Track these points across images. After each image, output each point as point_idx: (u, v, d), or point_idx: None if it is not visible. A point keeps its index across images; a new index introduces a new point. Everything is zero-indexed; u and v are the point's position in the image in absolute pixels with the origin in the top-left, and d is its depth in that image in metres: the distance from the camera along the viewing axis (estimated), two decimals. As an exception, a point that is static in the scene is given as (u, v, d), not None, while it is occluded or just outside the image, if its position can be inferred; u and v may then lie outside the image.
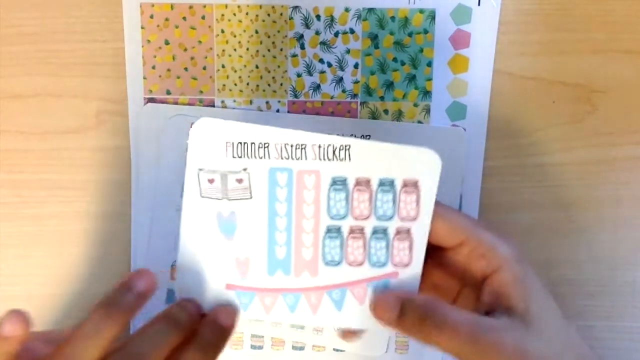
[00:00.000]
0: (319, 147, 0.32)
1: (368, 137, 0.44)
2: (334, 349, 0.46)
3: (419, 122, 0.45)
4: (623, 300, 0.46)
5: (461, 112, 0.44)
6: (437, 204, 0.34)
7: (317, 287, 0.34)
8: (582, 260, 0.46)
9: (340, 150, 0.32)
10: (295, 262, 0.34)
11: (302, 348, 0.46)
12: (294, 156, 0.32)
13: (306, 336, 0.46)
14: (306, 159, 0.32)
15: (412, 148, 0.33)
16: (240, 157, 0.32)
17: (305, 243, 0.33)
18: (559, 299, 0.46)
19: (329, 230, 0.33)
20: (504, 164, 0.45)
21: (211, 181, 0.33)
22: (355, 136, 0.44)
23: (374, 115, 0.45)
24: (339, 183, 0.33)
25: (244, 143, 0.32)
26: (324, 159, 0.32)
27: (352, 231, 0.33)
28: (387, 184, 0.33)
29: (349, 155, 0.32)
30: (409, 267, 0.34)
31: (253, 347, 0.47)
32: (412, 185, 0.33)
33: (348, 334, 0.36)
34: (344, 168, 0.33)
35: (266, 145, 0.32)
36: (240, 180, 0.33)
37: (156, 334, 0.30)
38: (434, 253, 0.35)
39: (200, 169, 0.32)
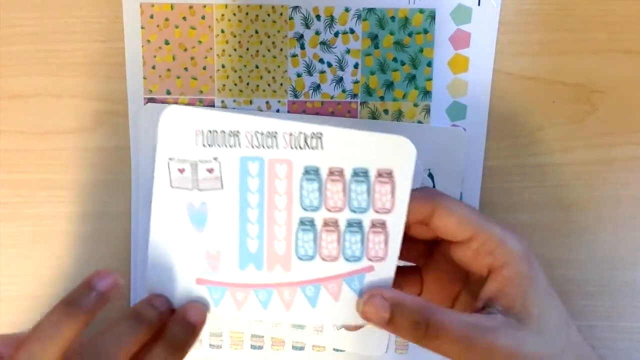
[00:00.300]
0: (290, 135, 0.31)
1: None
2: (334, 349, 0.46)
3: (419, 122, 0.45)
4: (623, 300, 0.46)
5: (461, 112, 0.44)
6: (447, 197, 0.33)
7: (291, 282, 0.33)
8: (582, 260, 0.46)
9: (312, 138, 0.31)
10: (267, 256, 0.33)
11: (302, 348, 0.46)
12: (265, 145, 0.31)
13: (306, 336, 0.46)
14: (277, 147, 0.31)
15: (385, 136, 0.31)
16: (211, 145, 0.31)
17: (278, 236, 0.32)
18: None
19: (302, 222, 0.32)
20: (504, 164, 0.45)
21: (181, 171, 0.32)
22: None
23: (374, 115, 0.45)
24: (311, 173, 0.32)
25: (214, 131, 0.31)
26: (296, 148, 0.31)
27: (325, 224, 0.32)
28: (360, 174, 0.32)
29: (321, 143, 0.31)
30: (384, 260, 0.33)
31: (253, 347, 0.47)
32: (386, 176, 0.32)
33: (350, 326, 0.35)
34: (317, 157, 0.31)
35: (236, 133, 0.31)
36: (211, 170, 0.32)
37: (122, 331, 0.30)
38: (442, 247, 0.35)
39: (171, 159, 0.31)
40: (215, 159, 0.32)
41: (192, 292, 0.33)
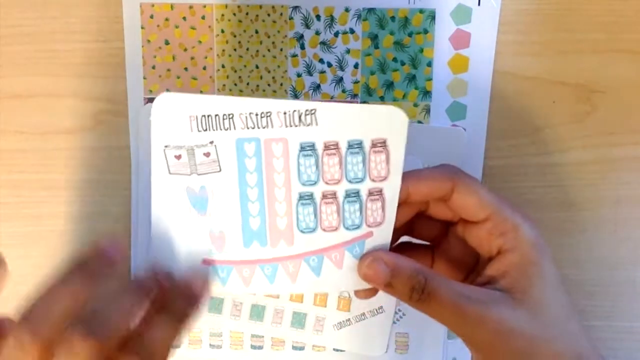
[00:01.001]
0: (285, 113, 0.32)
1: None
2: (334, 349, 0.46)
3: (419, 122, 0.45)
4: (623, 300, 0.46)
5: (461, 112, 0.44)
6: (468, 175, 0.34)
7: (294, 255, 0.34)
8: (582, 260, 0.46)
9: (306, 115, 0.32)
10: (270, 232, 0.33)
11: (302, 348, 0.46)
12: (260, 125, 0.32)
13: (306, 336, 0.46)
14: (272, 126, 0.32)
15: (376, 107, 0.32)
16: (206, 130, 0.32)
17: (279, 212, 0.33)
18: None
19: (301, 197, 0.33)
20: (504, 164, 0.45)
21: (178, 157, 0.32)
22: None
23: (374, 115, 0.45)
24: (307, 148, 0.32)
25: (208, 115, 0.31)
26: (291, 125, 0.32)
27: (324, 196, 0.33)
28: (355, 146, 0.32)
29: (315, 119, 0.32)
30: (382, 225, 0.34)
31: (253, 347, 0.47)
32: (380, 145, 0.32)
33: (361, 292, 0.35)
34: (312, 133, 0.32)
35: (231, 116, 0.31)
36: (207, 154, 0.32)
37: (124, 302, 0.30)
38: (457, 228, 0.35)
39: (166, 146, 0.32)
40: (211, 142, 0.32)
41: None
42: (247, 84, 0.44)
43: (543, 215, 0.45)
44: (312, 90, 0.44)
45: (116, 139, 0.45)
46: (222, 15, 0.44)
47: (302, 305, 0.46)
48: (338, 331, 0.46)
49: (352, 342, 0.46)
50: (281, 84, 0.44)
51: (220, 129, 0.32)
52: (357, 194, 0.33)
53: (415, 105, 0.44)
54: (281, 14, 0.43)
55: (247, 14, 0.44)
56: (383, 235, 0.34)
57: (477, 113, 0.44)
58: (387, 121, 0.32)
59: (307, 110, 0.32)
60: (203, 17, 0.44)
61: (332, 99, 0.44)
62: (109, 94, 0.44)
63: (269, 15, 0.44)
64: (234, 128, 0.32)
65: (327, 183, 0.33)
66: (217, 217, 0.33)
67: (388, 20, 0.44)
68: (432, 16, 0.43)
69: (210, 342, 0.47)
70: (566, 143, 0.45)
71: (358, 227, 0.34)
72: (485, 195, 0.33)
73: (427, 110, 0.45)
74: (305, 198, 0.33)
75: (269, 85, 0.44)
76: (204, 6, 0.43)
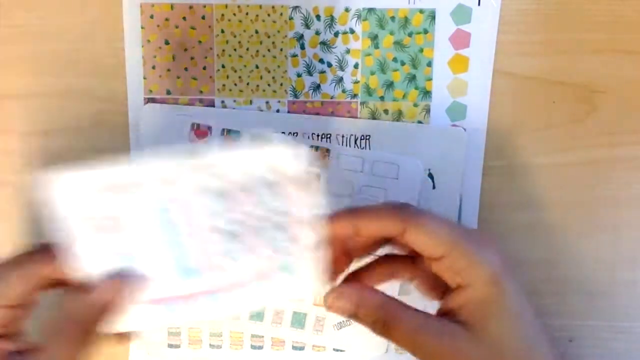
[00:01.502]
0: (184, 169, 0.31)
1: (368, 137, 0.44)
2: (334, 349, 0.46)
3: (419, 122, 0.45)
4: (623, 300, 0.46)
5: (461, 112, 0.44)
6: (421, 214, 0.33)
7: (232, 284, 0.34)
8: (582, 260, 0.46)
9: (207, 167, 0.31)
10: (203, 268, 0.34)
11: (302, 348, 0.46)
12: (164, 185, 0.32)
13: (306, 336, 0.46)
14: (175, 185, 0.32)
15: (274, 149, 0.31)
16: (112, 194, 0.32)
17: (209, 251, 0.33)
18: (559, 299, 0.46)
19: (226, 237, 0.33)
20: (504, 164, 0.45)
21: (90, 223, 0.32)
22: (355, 136, 0.44)
23: (374, 115, 0.45)
24: (216, 194, 0.32)
25: (111, 185, 0.32)
26: (193, 183, 0.32)
27: (249, 232, 0.33)
28: (266, 185, 0.32)
29: (218, 171, 0.31)
30: (311, 247, 0.34)
31: (253, 347, 0.47)
32: (297, 182, 0.32)
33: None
34: (217, 179, 0.32)
35: (133, 184, 0.31)
36: (117, 218, 0.32)
37: None
38: (419, 260, 0.35)
39: (75, 217, 0.32)
40: (121, 206, 0.32)
41: (150, 312, 0.34)
42: (247, 84, 0.44)
43: (543, 215, 0.45)
44: (312, 90, 0.44)
45: (116, 139, 0.45)
46: (222, 15, 0.44)
47: (302, 305, 0.46)
48: (338, 331, 0.46)
49: (352, 342, 0.46)
50: (281, 84, 0.44)
51: (127, 193, 0.32)
52: (280, 224, 0.33)
53: (415, 105, 0.44)
54: (281, 14, 0.44)
55: (247, 14, 0.44)
56: (315, 256, 0.34)
57: (477, 113, 0.44)
58: (288, 158, 0.32)
59: (206, 164, 0.31)
60: (203, 17, 0.44)
61: (332, 98, 0.44)
62: (109, 94, 0.44)
63: (269, 15, 0.44)
64: (139, 192, 0.32)
65: (245, 219, 0.33)
66: (147, 265, 0.34)
67: (388, 20, 0.44)
68: (432, 16, 0.43)
69: (210, 342, 0.47)
70: (566, 143, 0.45)
71: (286, 252, 0.34)
72: (440, 233, 0.33)
73: (427, 110, 0.45)
74: (230, 237, 0.33)
75: (269, 85, 0.44)
76: (204, 6, 0.43)
